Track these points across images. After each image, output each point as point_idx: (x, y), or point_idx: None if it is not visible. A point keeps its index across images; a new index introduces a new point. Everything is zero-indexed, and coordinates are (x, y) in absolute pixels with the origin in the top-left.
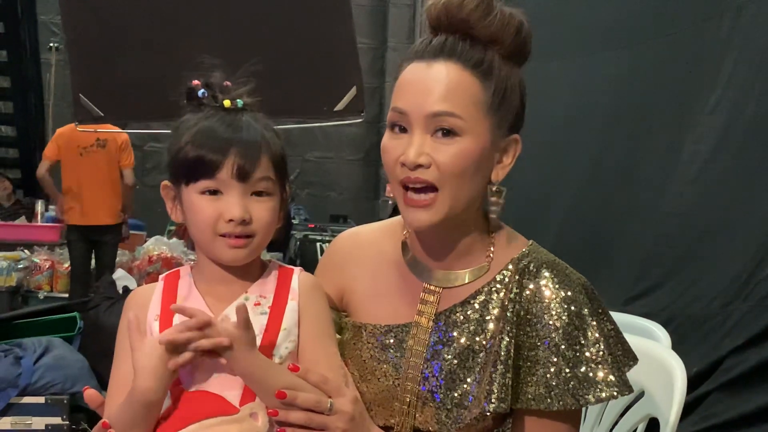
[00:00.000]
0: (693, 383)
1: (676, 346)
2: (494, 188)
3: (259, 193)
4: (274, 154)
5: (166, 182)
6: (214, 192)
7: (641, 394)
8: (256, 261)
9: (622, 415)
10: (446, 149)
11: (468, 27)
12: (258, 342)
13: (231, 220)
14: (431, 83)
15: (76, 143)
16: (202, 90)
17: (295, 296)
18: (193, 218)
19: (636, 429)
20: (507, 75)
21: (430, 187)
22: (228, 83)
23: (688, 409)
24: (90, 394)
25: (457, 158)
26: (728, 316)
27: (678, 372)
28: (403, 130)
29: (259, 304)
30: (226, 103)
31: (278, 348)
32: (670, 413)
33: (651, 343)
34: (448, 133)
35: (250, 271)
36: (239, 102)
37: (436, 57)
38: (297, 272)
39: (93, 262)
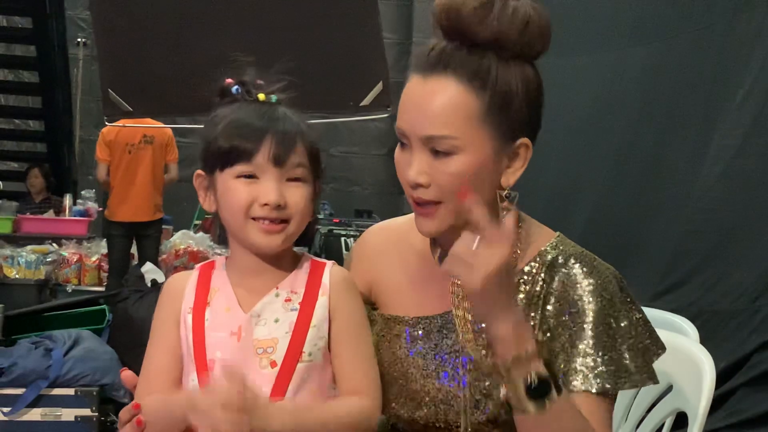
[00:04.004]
0: (720, 379)
1: (703, 342)
2: (504, 193)
3: (294, 179)
4: (309, 143)
5: (199, 171)
6: (249, 176)
7: (669, 388)
8: (288, 253)
9: (650, 409)
10: (444, 168)
11: (467, 31)
12: (287, 340)
13: (266, 204)
14: (424, 103)
15: (124, 141)
16: (236, 87)
17: (326, 291)
18: (226, 202)
19: (664, 423)
20: (507, 80)
21: (434, 201)
22: (261, 81)
23: (715, 405)
24: (127, 375)
25: (456, 176)
26: (756, 311)
27: (707, 366)
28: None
29: (289, 300)
30: (261, 96)
31: (308, 345)
32: (699, 407)
33: (679, 337)
34: (445, 152)
35: (282, 263)
36: (273, 97)
37: (432, 70)
38: (329, 266)
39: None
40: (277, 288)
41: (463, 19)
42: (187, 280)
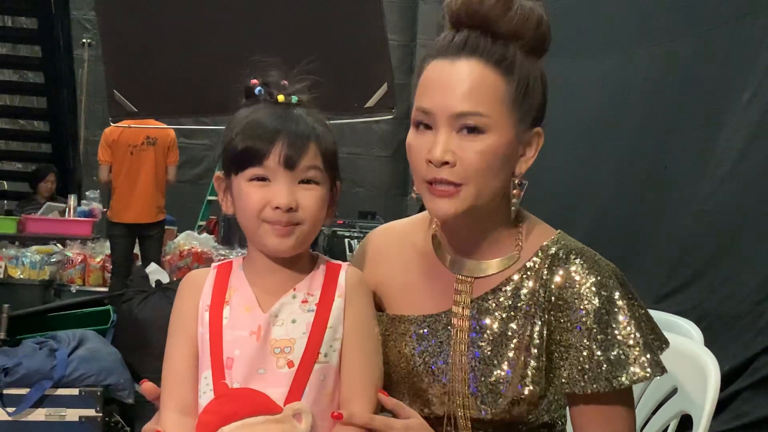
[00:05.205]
0: (725, 381)
1: (707, 345)
2: (517, 181)
3: (306, 181)
4: (323, 145)
5: (218, 174)
6: (262, 179)
7: (674, 391)
8: (305, 254)
9: (654, 411)
10: (472, 146)
11: (489, 23)
12: (305, 340)
13: (277, 208)
14: (455, 82)
15: (126, 142)
16: (259, 88)
17: (342, 293)
18: (240, 205)
19: (669, 425)
20: (529, 69)
21: (455, 183)
22: (285, 81)
23: (719, 407)
24: (147, 387)
25: (483, 155)
26: (760, 314)
27: (711, 368)
28: (428, 127)
29: (306, 301)
30: (280, 98)
31: (324, 346)
32: (704, 410)
33: (684, 339)
34: (474, 130)
35: (299, 264)
36: (293, 98)
37: (458, 54)
38: (344, 267)
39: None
40: (294, 289)
41: (487, 10)
42: (205, 278)
